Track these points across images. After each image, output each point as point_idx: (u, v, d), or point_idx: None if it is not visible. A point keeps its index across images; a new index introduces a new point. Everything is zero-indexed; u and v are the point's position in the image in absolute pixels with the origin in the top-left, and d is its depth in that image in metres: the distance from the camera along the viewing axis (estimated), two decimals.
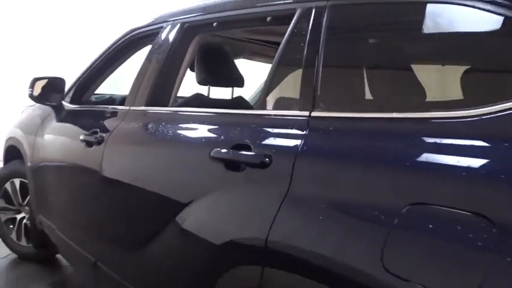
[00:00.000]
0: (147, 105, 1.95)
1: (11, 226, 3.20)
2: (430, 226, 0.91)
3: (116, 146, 1.98)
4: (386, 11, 1.27)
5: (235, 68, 2.14)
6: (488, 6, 1.01)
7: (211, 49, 2.08)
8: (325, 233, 1.09)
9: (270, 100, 1.46)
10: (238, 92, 2.27)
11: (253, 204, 1.29)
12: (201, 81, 2.07)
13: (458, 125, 0.96)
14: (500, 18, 1.01)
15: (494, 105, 0.92)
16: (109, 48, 2.50)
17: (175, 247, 1.56)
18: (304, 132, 1.24)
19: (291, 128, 1.28)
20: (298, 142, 1.23)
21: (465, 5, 1.06)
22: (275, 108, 1.48)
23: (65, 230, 2.44)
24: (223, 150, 1.40)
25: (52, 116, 2.69)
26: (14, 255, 3.24)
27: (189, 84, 2.20)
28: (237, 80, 2.14)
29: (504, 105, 0.91)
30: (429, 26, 1.23)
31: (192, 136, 1.64)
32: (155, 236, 1.64)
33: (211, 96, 2.23)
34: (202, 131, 1.60)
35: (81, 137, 2.19)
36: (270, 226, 1.19)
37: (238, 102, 2.17)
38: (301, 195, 1.18)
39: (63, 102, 2.65)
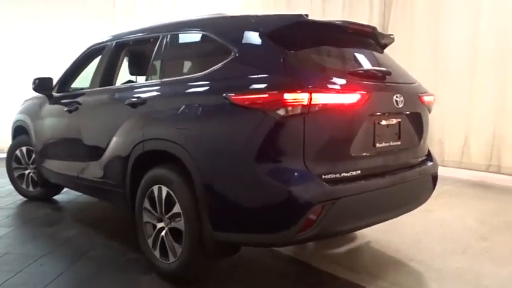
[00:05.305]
0: (100, 86, 3.68)
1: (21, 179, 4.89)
2: (190, 110, 2.66)
3: (85, 109, 3.71)
4: (180, 38, 3.06)
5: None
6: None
7: (135, 53, 3.83)
8: (164, 123, 2.84)
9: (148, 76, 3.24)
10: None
11: (139, 119, 3.02)
12: (132, 74, 3.83)
13: (197, 77, 2.73)
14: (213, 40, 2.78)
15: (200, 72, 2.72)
16: (77, 57, 4.23)
17: (115, 148, 3.27)
18: (159, 87, 2.99)
19: (155, 85, 3.04)
20: (156, 92, 2.99)
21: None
22: (148, 79, 3.24)
23: (60, 167, 4.14)
24: (132, 100, 3.12)
25: (46, 101, 4.38)
26: (24, 199, 4.94)
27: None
28: None
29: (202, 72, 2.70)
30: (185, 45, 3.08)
31: (121, 96, 3.35)
32: (104, 149, 3.38)
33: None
34: (126, 94, 3.31)
35: (65, 109, 3.90)
36: (144, 125, 2.94)
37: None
38: (154, 112, 2.92)
39: (52, 92, 4.34)
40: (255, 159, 2.32)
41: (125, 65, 3.97)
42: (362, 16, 7.59)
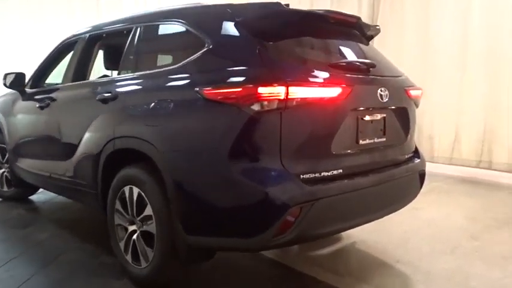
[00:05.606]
0: (72, 81, 3.49)
1: None
2: (161, 106, 2.49)
3: (56, 106, 3.52)
4: (153, 29, 2.89)
5: None
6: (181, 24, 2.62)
7: (108, 47, 3.63)
8: (134, 120, 2.66)
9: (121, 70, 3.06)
10: None
11: (110, 116, 2.85)
12: (107, 68, 3.64)
13: (168, 71, 2.56)
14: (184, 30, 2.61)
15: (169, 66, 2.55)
16: (51, 52, 4.03)
17: (86, 146, 3.09)
18: (130, 81, 2.82)
19: (126, 80, 2.86)
20: (127, 87, 2.81)
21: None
22: (120, 73, 3.05)
23: (33, 166, 3.95)
24: (104, 95, 2.92)
25: (19, 98, 4.18)
26: None
27: None
28: None
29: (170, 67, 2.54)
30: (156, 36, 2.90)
31: (92, 92, 3.16)
32: (75, 148, 3.19)
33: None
34: (97, 89, 3.12)
35: (37, 105, 3.71)
36: (115, 122, 2.76)
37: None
38: (125, 109, 2.74)
39: (25, 88, 4.14)
40: (228, 158, 2.16)
41: (101, 59, 3.80)
42: (351, 9, 7.43)
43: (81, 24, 8.00)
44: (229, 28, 2.41)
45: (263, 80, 2.11)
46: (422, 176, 3.01)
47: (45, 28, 8.07)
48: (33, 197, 4.79)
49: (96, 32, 3.51)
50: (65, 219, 4.15)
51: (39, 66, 4.15)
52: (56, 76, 4.25)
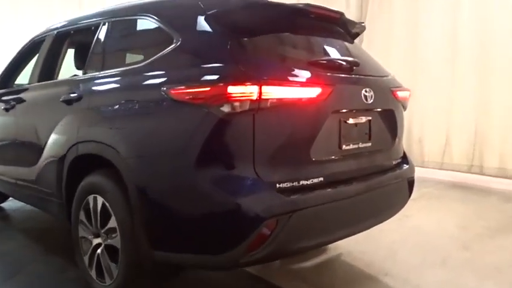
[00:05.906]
0: (39, 81, 3.26)
1: None
2: (125, 108, 2.27)
3: (21, 107, 3.30)
4: (120, 25, 2.67)
5: None
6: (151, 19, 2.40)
7: (77, 44, 3.41)
8: (98, 123, 2.44)
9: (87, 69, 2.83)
10: None
11: (74, 118, 2.63)
12: (77, 67, 3.41)
13: (135, 70, 2.34)
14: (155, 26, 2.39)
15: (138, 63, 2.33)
16: (19, 50, 3.80)
17: (49, 152, 2.86)
18: (95, 81, 2.59)
19: (91, 79, 2.64)
20: (92, 87, 2.59)
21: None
22: (86, 72, 2.83)
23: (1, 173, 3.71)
24: (69, 96, 2.71)
25: None
26: None
27: None
28: None
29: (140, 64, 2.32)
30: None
31: (56, 92, 2.92)
32: (40, 153, 2.96)
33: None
34: (62, 89, 2.89)
35: (2, 107, 3.48)
36: (79, 125, 2.54)
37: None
38: (89, 110, 2.53)
39: None
40: (195, 165, 1.95)
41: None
42: (339, 6, 7.26)
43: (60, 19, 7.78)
44: (199, 22, 2.20)
45: (234, 78, 1.90)
46: (411, 183, 2.82)
47: (23, 25, 7.75)
48: (4, 205, 4.54)
49: (64, 29, 3.29)
50: (34, 228, 3.92)
51: (7, 66, 3.93)
52: (27, 76, 4.03)
